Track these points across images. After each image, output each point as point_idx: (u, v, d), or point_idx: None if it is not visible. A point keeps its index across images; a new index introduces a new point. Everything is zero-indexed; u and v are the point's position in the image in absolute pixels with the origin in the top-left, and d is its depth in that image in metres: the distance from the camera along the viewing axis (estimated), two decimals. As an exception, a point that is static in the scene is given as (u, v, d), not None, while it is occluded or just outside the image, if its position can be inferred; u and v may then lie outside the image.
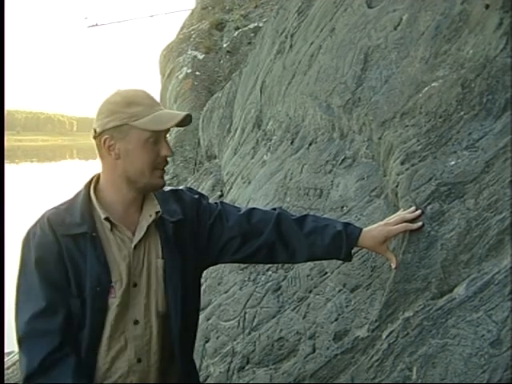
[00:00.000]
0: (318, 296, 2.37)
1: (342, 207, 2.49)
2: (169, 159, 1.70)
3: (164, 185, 1.73)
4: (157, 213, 1.70)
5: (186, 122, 1.67)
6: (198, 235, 1.81)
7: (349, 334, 2.09)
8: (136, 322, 1.67)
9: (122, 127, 1.60)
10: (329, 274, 2.38)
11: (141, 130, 1.60)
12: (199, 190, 1.99)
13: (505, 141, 1.69)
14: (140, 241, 1.67)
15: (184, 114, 1.65)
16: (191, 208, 1.81)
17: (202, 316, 3.06)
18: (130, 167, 1.63)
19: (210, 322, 3.02)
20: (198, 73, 8.48)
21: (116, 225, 1.66)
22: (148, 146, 1.62)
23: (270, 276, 2.78)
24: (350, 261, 1.94)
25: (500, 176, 1.66)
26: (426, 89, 2.09)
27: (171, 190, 1.87)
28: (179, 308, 1.69)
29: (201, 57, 8.75)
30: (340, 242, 1.84)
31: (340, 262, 2.24)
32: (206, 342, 2.94)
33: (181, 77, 8.62)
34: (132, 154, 1.62)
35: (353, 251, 1.91)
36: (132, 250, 1.66)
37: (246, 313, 2.78)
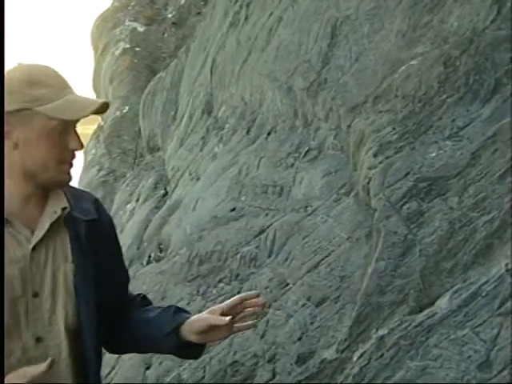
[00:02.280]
0: (278, 311, 2.36)
1: (306, 207, 2.49)
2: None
3: (70, 180, 1.69)
4: (63, 209, 1.65)
5: (102, 109, 1.65)
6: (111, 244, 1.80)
7: (314, 355, 2.08)
8: (39, 340, 1.60)
9: (23, 112, 1.56)
10: (291, 285, 2.37)
11: (47, 117, 1.56)
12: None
13: (494, 129, 1.71)
14: (41, 241, 1.61)
15: (100, 101, 1.63)
16: (107, 218, 1.81)
17: (141, 337, 3.02)
18: (30, 160, 1.59)
19: (150, 344, 2.99)
20: (137, 48, 8.40)
21: (10, 221, 1.59)
22: (53, 137, 1.58)
23: (223, 289, 2.76)
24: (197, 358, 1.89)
25: (488, 170, 1.67)
26: (403, 68, 2.10)
27: (85, 190, 1.87)
28: (94, 322, 1.64)
29: (141, 29, 8.66)
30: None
31: (304, 271, 2.24)
32: (147, 368, 2.90)
33: (117, 53, 8.51)
34: (34, 144, 1.58)
35: (319, 258, 1.90)
36: (29, 252, 1.59)
37: (193, 333, 2.76)
